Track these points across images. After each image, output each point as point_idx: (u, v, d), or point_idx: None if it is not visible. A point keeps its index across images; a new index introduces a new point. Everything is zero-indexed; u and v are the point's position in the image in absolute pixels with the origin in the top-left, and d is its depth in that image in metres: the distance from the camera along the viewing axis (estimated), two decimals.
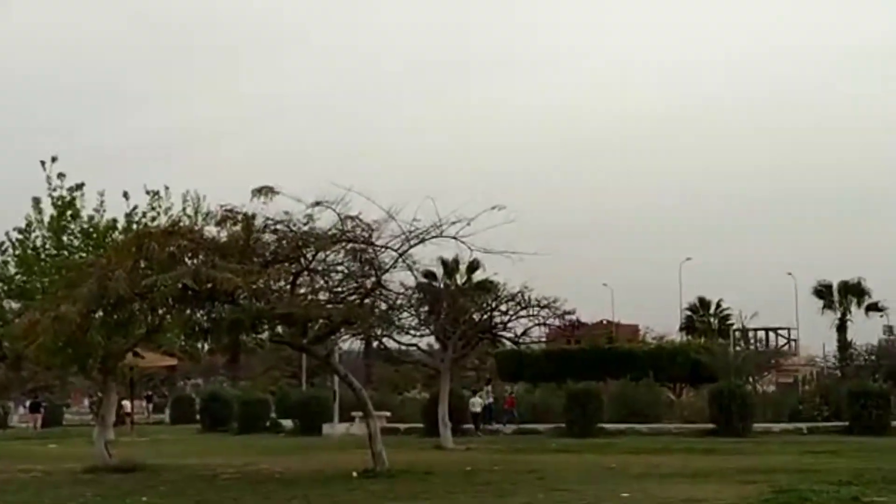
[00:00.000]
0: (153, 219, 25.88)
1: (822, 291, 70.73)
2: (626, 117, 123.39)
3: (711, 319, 76.64)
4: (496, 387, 50.31)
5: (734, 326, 65.15)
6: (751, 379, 47.34)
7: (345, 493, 18.73)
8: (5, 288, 28.38)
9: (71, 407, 61.60)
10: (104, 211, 27.30)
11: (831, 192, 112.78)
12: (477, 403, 42.37)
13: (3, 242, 27.71)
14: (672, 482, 19.81)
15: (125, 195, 26.90)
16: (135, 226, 26.02)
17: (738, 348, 54.67)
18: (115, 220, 27.23)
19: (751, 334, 60.23)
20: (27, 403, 59.63)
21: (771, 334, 60.14)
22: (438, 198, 27.19)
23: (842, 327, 70.79)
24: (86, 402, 59.60)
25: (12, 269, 27.82)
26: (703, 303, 77.50)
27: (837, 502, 15.95)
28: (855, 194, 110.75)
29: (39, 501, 18.37)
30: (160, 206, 26.16)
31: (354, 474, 22.31)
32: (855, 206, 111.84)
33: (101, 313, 22.26)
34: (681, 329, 75.58)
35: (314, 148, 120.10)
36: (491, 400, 45.08)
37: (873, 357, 69.89)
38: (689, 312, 77.41)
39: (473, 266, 56.00)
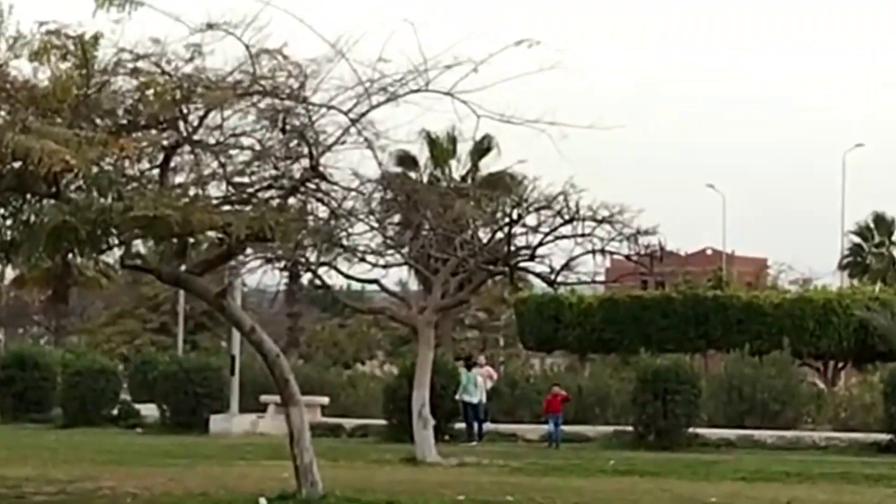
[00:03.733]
0: None
1: None
2: None
3: (895, 251, 76.72)
4: (512, 360, 50.65)
5: None
6: None
7: None
8: None
9: None
10: None
11: None
12: (473, 388, 42.01)
13: None
14: None
15: None
16: None
17: None
18: None
19: None
20: None
21: None
22: (424, 25, 26.94)
23: None
24: None
25: None
26: (881, 223, 77.51)
27: None
28: None
29: None
30: None
31: (263, 502, 22.59)
32: None
33: None
34: (841, 268, 75.76)
35: None
36: (490, 383, 45.18)
37: None
38: (855, 239, 77.47)
39: (483, 147, 55.92)
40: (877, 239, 76.67)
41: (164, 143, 22.83)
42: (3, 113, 21.57)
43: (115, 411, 47.80)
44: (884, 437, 38.60)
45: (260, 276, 32.07)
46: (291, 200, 24.03)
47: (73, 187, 21.78)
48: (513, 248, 35.87)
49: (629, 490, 26.23)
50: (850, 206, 76.42)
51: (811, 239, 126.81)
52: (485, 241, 35.81)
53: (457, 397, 40.77)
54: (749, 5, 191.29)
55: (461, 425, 41.41)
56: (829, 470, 31.42)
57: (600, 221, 34.45)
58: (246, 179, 23.86)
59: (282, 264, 33.57)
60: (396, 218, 33.73)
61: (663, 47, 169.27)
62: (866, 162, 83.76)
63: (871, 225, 77.03)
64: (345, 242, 29.80)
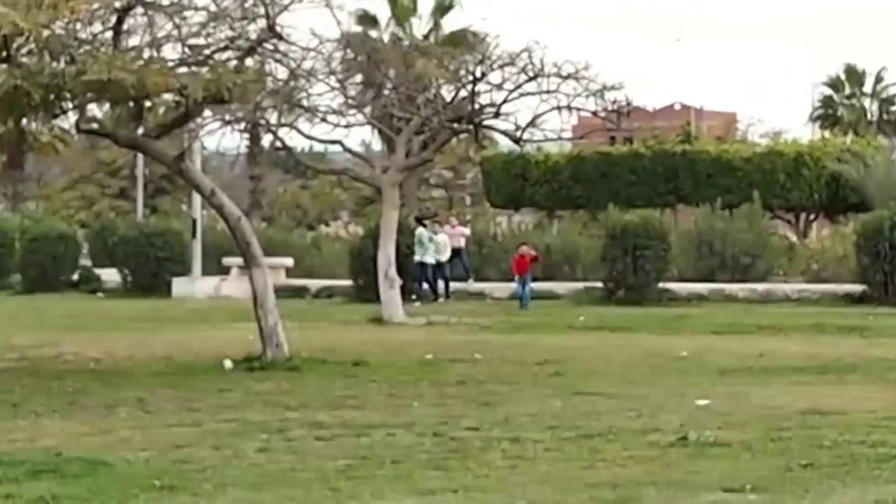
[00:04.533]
0: None
1: None
2: None
3: (866, 102, 76.73)
4: (479, 219, 50.68)
5: None
6: None
7: (212, 395, 19.05)
8: None
9: None
10: None
11: None
12: (430, 247, 41.69)
13: None
14: (787, 381, 20.25)
15: None
16: None
17: None
18: None
19: None
20: None
21: None
22: None
23: None
24: None
25: None
26: (852, 74, 77.47)
27: None
28: None
29: None
30: None
31: (228, 364, 22.70)
32: None
33: None
34: (811, 120, 75.81)
35: None
36: (464, 241, 45.25)
37: None
38: (826, 91, 77.45)
39: (445, 4, 55.66)
40: (847, 91, 76.56)
41: (117, 4, 22.69)
42: None
43: (75, 276, 47.74)
44: (856, 287, 38.79)
45: (219, 138, 32.01)
46: (249, 62, 23.98)
47: (24, 51, 21.70)
48: (477, 106, 35.84)
49: (599, 345, 26.38)
50: (820, 58, 76.70)
51: (782, 92, 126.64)
52: (448, 99, 35.76)
53: (427, 259, 40.65)
54: None
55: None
56: (802, 322, 31.60)
57: (566, 77, 34.42)
58: (202, 41, 23.79)
59: (241, 126, 33.42)
60: (358, 78, 33.72)
61: None
62: (836, 13, 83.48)
63: (843, 77, 76.90)
64: (305, 103, 29.76)
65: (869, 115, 74.27)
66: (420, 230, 41.68)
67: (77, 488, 12.04)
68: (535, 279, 39.82)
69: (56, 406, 17.95)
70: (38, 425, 16.17)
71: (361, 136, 35.19)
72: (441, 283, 41.28)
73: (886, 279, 38.30)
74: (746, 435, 14.86)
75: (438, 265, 41.07)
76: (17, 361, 24.18)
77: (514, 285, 39.30)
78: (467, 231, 46.84)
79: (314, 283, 42.43)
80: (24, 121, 26.19)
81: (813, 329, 29.74)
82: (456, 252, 44.43)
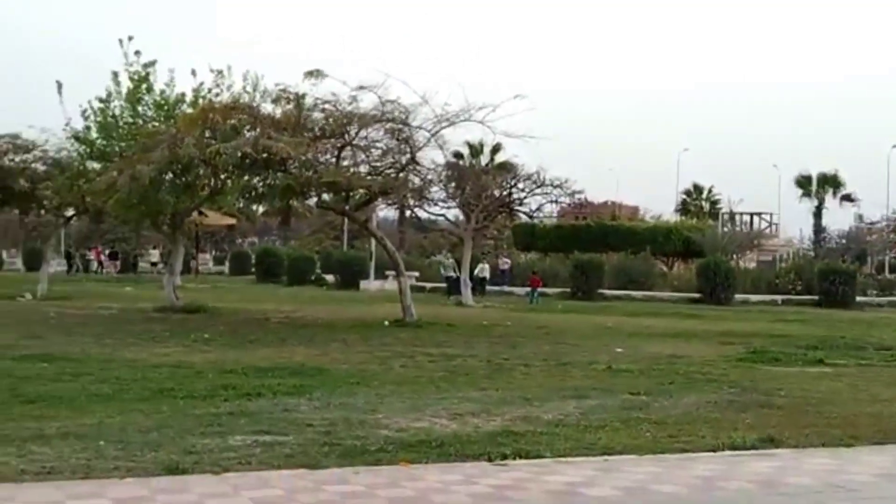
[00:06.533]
0: (217, 94, 25.57)
1: (802, 182, 70.14)
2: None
3: (703, 203, 75.89)
4: (512, 256, 50.54)
5: (722, 210, 64.72)
6: (734, 256, 47.33)
7: (378, 338, 19.02)
8: (88, 150, 28.34)
9: (144, 257, 62.25)
10: (174, 86, 27.06)
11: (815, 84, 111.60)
12: (483, 268, 41.45)
13: (86, 110, 27.53)
14: (661, 340, 20.01)
15: (193, 73, 26.63)
16: (201, 100, 25.73)
17: (725, 229, 54.34)
18: (183, 95, 26.98)
19: (737, 217, 59.71)
20: (107, 252, 60.39)
21: (755, 218, 59.58)
22: (468, 87, 26.98)
23: (818, 214, 70.56)
24: (154, 252, 60.12)
25: (94, 134, 27.74)
26: (697, 188, 76.69)
27: (804, 362, 16.07)
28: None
29: (116, 333, 18.73)
30: (223, 84, 25.83)
31: (386, 323, 22.68)
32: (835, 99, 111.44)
33: (170, 175, 22.34)
34: (676, 210, 75.13)
35: (360, 39, 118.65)
36: (508, 266, 45.20)
37: (843, 241, 69.99)
38: (683, 196, 76.72)
39: (496, 148, 55.45)
40: (694, 196, 76.03)
41: (338, 145, 22.83)
42: (258, 130, 21.60)
43: (312, 278, 47.96)
44: (697, 295, 38.48)
45: (385, 212, 32.32)
46: (401, 175, 24.02)
47: (293, 166, 21.85)
48: (511, 200, 35.84)
49: (568, 320, 26.21)
50: (682, 177, 76.64)
51: (660, 195, 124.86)
52: (497, 196, 35.72)
53: (451, 274, 39.71)
54: None
55: (492, 287, 41.26)
56: (667, 311, 31.29)
57: (556, 187, 34.47)
58: (378, 164, 23.88)
59: (396, 206, 33.61)
60: (453, 184, 33.66)
61: None
62: (690, 154, 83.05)
63: (692, 189, 76.29)
64: (427, 196, 29.72)
65: (704, 209, 73.48)
66: (481, 263, 41.78)
67: (312, 381, 12.08)
68: (540, 289, 39.76)
69: (300, 341, 18.02)
70: (292, 350, 16.24)
71: (454, 213, 35.16)
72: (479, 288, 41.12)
73: (711, 291, 37.99)
74: (640, 366, 14.73)
75: (483, 279, 40.86)
76: (282, 319, 24.34)
77: (527, 290, 39.03)
78: (510, 261, 46.70)
79: (429, 285, 42.33)
80: (291, 201, 26.42)
81: (673, 315, 29.47)
82: (503, 272, 44.47)
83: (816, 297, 38.32)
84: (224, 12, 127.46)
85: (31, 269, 50.13)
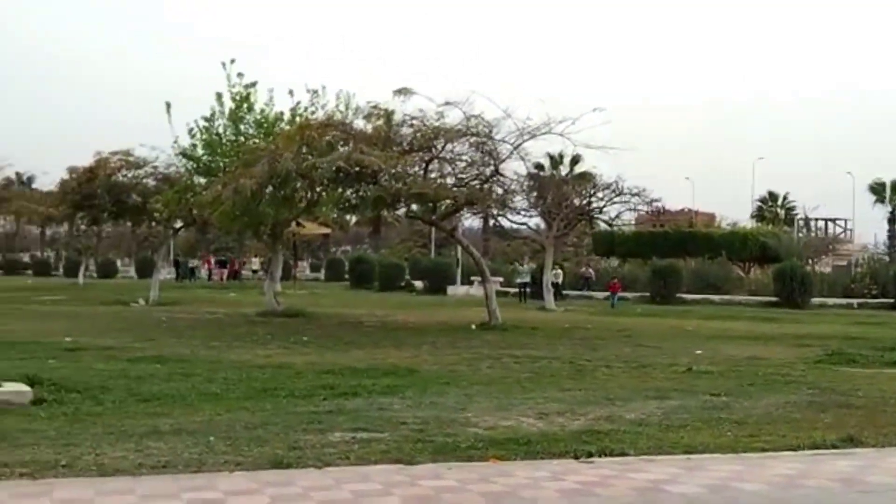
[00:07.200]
0: (313, 113, 25.98)
1: (876, 188, 68.24)
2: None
3: (779, 210, 74.26)
4: (594, 263, 50.06)
5: (798, 216, 63.23)
6: (810, 261, 46.16)
7: (465, 341, 19.05)
8: (194, 166, 29.08)
9: (247, 265, 63.43)
10: (273, 105, 27.60)
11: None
12: (559, 274, 40.77)
13: (192, 128, 28.24)
14: (739, 343, 19.63)
15: (290, 93, 27.13)
16: (298, 118, 26.18)
17: (800, 235, 53.12)
18: (281, 113, 27.50)
19: (812, 223, 58.29)
20: (215, 260, 61.73)
21: (830, 224, 58.07)
22: (548, 101, 26.74)
23: (892, 220, 68.49)
24: (255, 261, 61.32)
25: (200, 151, 28.44)
26: (773, 195, 75.11)
27: (881, 364, 15.61)
28: None
29: (222, 336, 19.12)
30: (318, 103, 26.23)
31: (473, 326, 22.69)
32: None
33: (270, 189, 22.73)
34: (752, 217, 73.58)
35: (446, 59, 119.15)
36: (591, 275, 44.75)
37: None
38: (759, 203, 75.17)
39: (576, 159, 54.96)
40: (770, 204, 74.48)
41: (426, 158, 22.97)
42: (351, 145, 21.86)
43: (402, 284, 48.14)
44: (773, 299, 37.65)
45: (470, 221, 32.35)
46: (485, 185, 24.03)
47: (383, 179, 22.03)
48: (590, 208, 35.54)
49: (648, 323, 25.90)
50: (757, 184, 75.10)
51: (736, 202, 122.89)
52: (577, 205, 35.47)
53: (526, 280, 39.91)
54: None
55: (572, 292, 40.81)
56: (746, 315, 30.72)
57: (634, 195, 34.00)
58: (464, 175, 23.94)
59: (480, 216, 33.61)
60: (535, 193, 33.54)
61: None
62: (766, 162, 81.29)
63: (768, 196, 74.73)
64: (510, 205, 29.65)
65: (780, 216, 71.88)
66: (555, 269, 41.39)
67: (404, 381, 12.15)
68: (620, 294, 39.30)
69: (392, 344, 18.15)
70: (385, 352, 16.36)
71: (536, 221, 34.91)
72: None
73: (788, 295, 37.12)
74: (720, 368, 14.48)
75: (556, 284, 40.18)
76: (374, 322, 24.52)
77: (607, 294, 38.63)
78: (593, 270, 46.17)
79: (513, 290, 42.21)
80: (383, 211, 26.64)
81: (751, 318, 28.91)
82: (587, 279, 44.11)
83: (892, 301, 37.22)
84: (316, 29, 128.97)
85: (143, 276, 51.53)
